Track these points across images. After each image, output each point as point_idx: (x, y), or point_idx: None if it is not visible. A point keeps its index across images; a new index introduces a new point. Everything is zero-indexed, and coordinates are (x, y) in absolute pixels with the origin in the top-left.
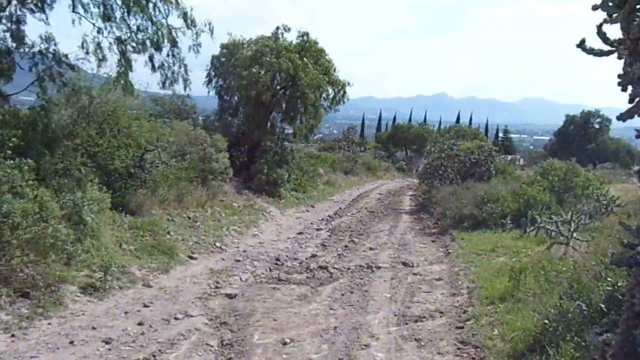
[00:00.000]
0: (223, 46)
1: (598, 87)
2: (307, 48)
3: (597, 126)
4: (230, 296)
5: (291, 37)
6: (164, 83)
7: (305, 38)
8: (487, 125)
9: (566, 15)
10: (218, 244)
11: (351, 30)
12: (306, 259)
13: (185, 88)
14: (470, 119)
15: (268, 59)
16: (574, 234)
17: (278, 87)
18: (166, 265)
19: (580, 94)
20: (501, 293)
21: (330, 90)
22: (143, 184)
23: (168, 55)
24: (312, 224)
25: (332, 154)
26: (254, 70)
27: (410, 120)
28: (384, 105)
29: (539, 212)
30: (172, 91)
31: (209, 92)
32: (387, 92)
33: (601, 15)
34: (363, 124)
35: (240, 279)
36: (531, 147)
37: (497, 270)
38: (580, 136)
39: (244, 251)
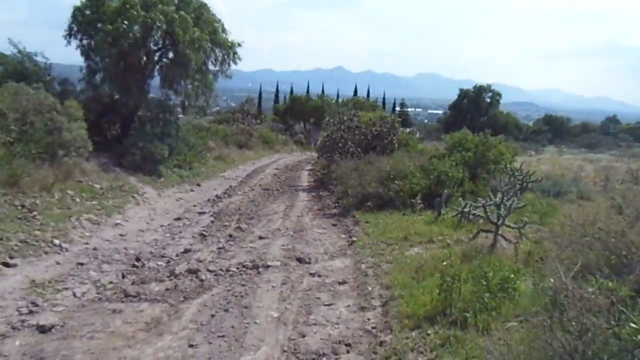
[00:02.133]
0: None
1: (487, 64)
2: (186, 1)
3: (488, 100)
4: (42, 329)
5: None
6: None
7: None
8: (384, 98)
9: None
10: (57, 241)
11: (247, 1)
12: (176, 256)
13: None
14: (368, 93)
15: (136, 12)
16: (505, 221)
17: (154, 48)
18: None
19: (471, 70)
20: (428, 310)
21: (219, 53)
22: None
23: None
24: (194, 206)
25: (226, 126)
26: (120, 24)
27: (308, 92)
28: (283, 78)
29: (452, 189)
30: (17, 48)
31: (68, 44)
32: (286, 65)
33: None
34: (260, 96)
35: (74, 295)
36: (426, 121)
37: (416, 270)
38: (473, 110)
39: (95, 249)
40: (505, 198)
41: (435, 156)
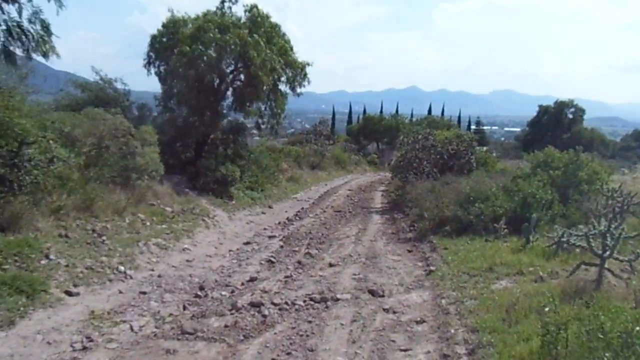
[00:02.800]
0: (164, 25)
1: (566, 79)
2: (259, 24)
3: (570, 116)
4: None
5: (240, 12)
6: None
7: (255, 11)
8: (459, 116)
9: (532, 5)
10: (123, 268)
11: (320, 24)
12: (241, 285)
13: (46, 54)
14: (443, 111)
15: (212, 35)
16: (614, 252)
17: (227, 70)
18: (16, 311)
19: (549, 85)
20: None
21: (289, 73)
22: (18, 188)
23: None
24: (265, 229)
25: (299, 147)
26: (195, 47)
27: (381, 112)
28: (356, 98)
29: (541, 213)
30: (99, 76)
31: (148, 73)
32: (359, 86)
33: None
34: (334, 116)
35: (131, 329)
36: (502, 139)
37: (506, 309)
38: (554, 126)
39: (159, 276)
40: (613, 225)
41: (518, 176)
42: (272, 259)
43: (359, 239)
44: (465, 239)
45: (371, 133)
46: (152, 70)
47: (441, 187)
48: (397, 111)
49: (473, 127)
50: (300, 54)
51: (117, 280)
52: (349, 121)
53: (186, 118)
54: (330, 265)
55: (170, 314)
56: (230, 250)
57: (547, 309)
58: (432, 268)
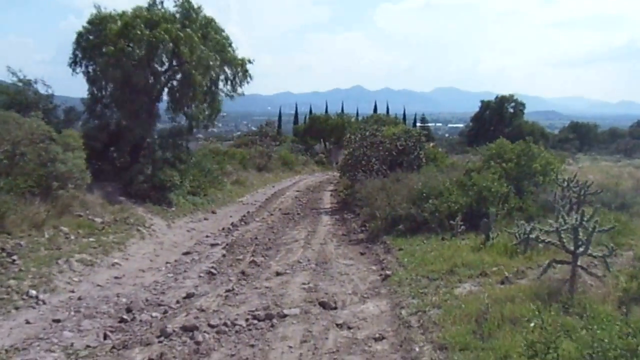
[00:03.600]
0: (89, 22)
1: (505, 76)
2: (192, 18)
3: (511, 110)
4: None
5: (172, 8)
6: None
7: (186, 4)
8: (404, 114)
9: (470, 4)
10: (34, 292)
11: (263, 27)
12: (176, 303)
13: None
14: (387, 109)
15: (139, 31)
16: (588, 248)
17: (160, 69)
18: None
19: (489, 82)
20: None
21: (228, 72)
22: None
23: None
24: (207, 237)
25: (244, 150)
26: (122, 44)
27: (326, 112)
28: (302, 99)
29: (498, 207)
30: (17, 77)
31: (73, 73)
32: (304, 87)
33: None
34: (280, 118)
35: None
36: (447, 135)
37: (476, 319)
38: (497, 121)
39: (80, 298)
40: (585, 218)
41: (471, 170)
42: (213, 270)
43: (308, 243)
44: (421, 238)
45: (318, 133)
46: (79, 71)
47: (392, 184)
48: (342, 110)
49: (418, 124)
50: (244, 54)
51: (27, 308)
52: (295, 122)
53: (119, 121)
54: (278, 274)
55: (87, 346)
56: (167, 263)
57: (532, 324)
58: (388, 272)
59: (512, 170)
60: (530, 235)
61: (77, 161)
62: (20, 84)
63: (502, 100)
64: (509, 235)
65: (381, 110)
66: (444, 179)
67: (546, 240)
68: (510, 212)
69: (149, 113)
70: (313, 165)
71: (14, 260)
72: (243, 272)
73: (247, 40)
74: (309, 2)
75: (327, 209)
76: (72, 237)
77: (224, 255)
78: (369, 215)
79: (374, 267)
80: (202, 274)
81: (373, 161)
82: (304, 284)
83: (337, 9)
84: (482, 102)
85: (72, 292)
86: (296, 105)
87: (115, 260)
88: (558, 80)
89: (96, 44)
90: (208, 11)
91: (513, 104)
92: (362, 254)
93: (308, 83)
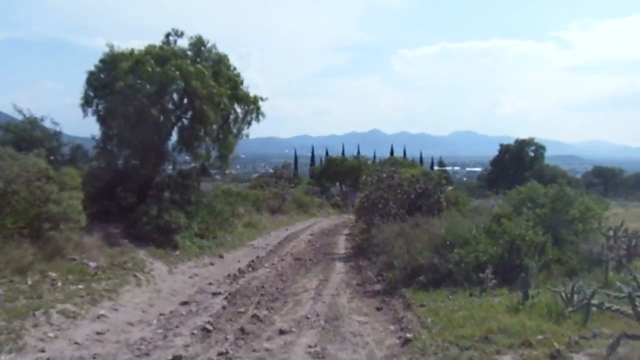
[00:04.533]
0: (101, 60)
1: (523, 119)
2: (203, 54)
3: (532, 154)
4: None
5: (185, 45)
6: None
7: (198, 41)
8: (421, 157)
9: (485, 50)
10: None
11: (283, 72)
12: None
13: None
14: (404, 152)
15: (149, 68)
16: None
17: (171, 107)
18: None
19: (507, 125)
20: None
21: (239, 110)
22: None
23: None
24: (210, 284)
25: (258, 191)
26: (133, 81)
27: (343, 154)
28: (319, 142)
29: (533, 259)
30: (22, 114)
31: (84, 115)
32: (322, 131)
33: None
34: (296, 159)
35: None
36: (464, 179)
37: None
38: (517, 164)
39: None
40: None
41: (500, 215)
42: (209, 326)
43: (319, 294)
44: (445, 293)
45: (334, 175)
46: (89, 111)
47: (411, 229)
48: (358, 153)
49: (436, 167)
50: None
51: None
52: (312, 164)
53: (127, 160)
54: (281, 332)
55: None
56: (160, 315)
57: None
58: (409, 335)
59: (547, 217)
60: (592, 301)
61: (73, 202)
62: (25, 122)
63: (521, 144)
64: (553, 293)
65: (398, 153)
66: (469, 226)
67: (613, 308)
68: (548, 265)
69: (158, 152)
70: (329, 207)
71: None
72: (242, 329)
73: (266, 85)
74: (329, 48)
75: (341, 254)
76: (59, 284)
77: (224, 307)
78: (386, 263)
79: (392, 327)
80: (195, 331)
81: (390, 204)
82: (310, 346)
83: (355, 55)
84: (501, 145)
85: (42, 351)
86: (312, 147)
87: (102, 312)
88: (578, 124)
89: (107, 82)
90: (230, 58)
91: (533, 148)
92: (378, 309)
93: (325, 126)
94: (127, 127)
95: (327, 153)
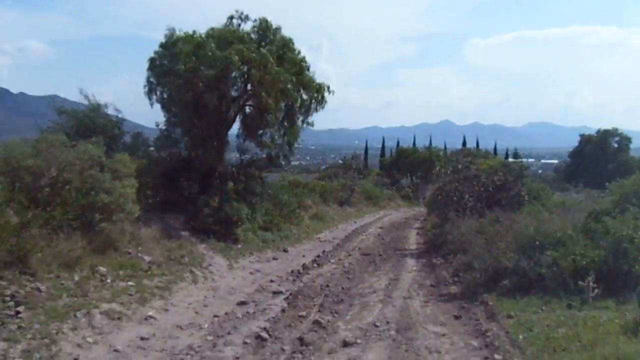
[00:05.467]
0: (162, 45)
1: (603, 110)
2: (268, 38)
3: (615, 145)
4: None
5: (249, 28)
6: None
7: (263, 25)
8: (495, 148)
9: (562, 37)
10: None
11: (352, 63)
12: None
13: None
14: (477, 144)
15: (210, 52)
16: None
17: (233, 93)
18: None
19: (585, 117)
20: None
21: (305, 96)
22: None
23: None
24: (271, 281)
25: (326, 182)
26: (193, 64)
27: (414, 145)
28: (389, 134)
29: None
30: (88, 100)
31: (150, 102)
32: (392, 122)
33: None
34: (366, 151)
35: None
36: (540, 171)
37: None
38: (598, 156)
39: None
40: None
41: (598, 212)
42: (264, 334)
43: (388, 295)
44: (536, 302)
45: (405, 166)
46: (154, 99)
47: (491, 226)
48: (430, 145)
49: (510, 159)
50: (334, 90)
51: None
52: (382, 155)
53: (189, 148)
54: (345, 344)
55: None
56: (215, 317)
57: None
58: (498, 358)
59: None
60: None
61: (126, 190)
62: (89, 108)
63: (604, 134)
64: None
65: (470, 145)
66: (562, 224)
67: None
68: None
69: (220, 141)
70: (399, 200)
71: (17, 313)
72: (301, 340)
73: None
74: (397, 38)
75: (412, 250)
76: (108, 280)
77: (283, 310)
78: (463, 263)
79: (474, 343)
80: (249, 339)
81: (466, 198)
82: None
83: (427, 44)
84: (582, 136)
85: (76, 358)
86: (383, 138)
87: (151, 313)
88: None
89: (169, 68)
90: (300, 49)
91: (617, 138)
92: (456, 317)
93: (395, 117)
94: (187, 113)
95: (398, 144)
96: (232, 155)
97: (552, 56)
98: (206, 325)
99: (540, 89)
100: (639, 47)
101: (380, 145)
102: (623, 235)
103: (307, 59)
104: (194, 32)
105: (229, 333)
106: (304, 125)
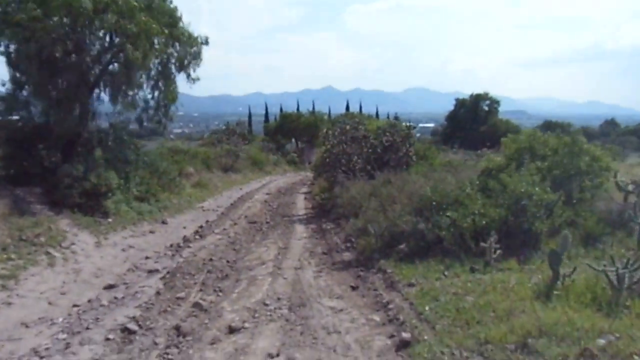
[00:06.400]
0: None
1: (474, 76)
2: None
3: (486, 109)
4: None
5: None
6: None
7: None
8: (377, 113)
9: (438, 6)
10: None
11: (234, 27)
12: None
13: None
14: (360, 108)
15: None
16: None
17: (97, 48)
18: None
19: (458, 82)
20: None
21: (179, 50)
22: None
23: None
24: (147, 258)
25: (209, 148)
26: (36, 12)
27: (298, 111)
28: (273, 100)
29: (543, 221)
30: None
31: None
32: (275, 88)
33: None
34: (250, 117)
35: None
36: (418, 135)
37: None
38: (472, 119)
39: None
40: None
41: (491, 170)
42: (133, 326)
43: (278, 267)
44: (437, 266)
45: (289, 131)
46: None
47: (383, 187)
48: (313, 110)
49: None
50: (216, 56)
51: None
52: (266, 121)
53: (46, 113)
54: (231, 330)
55: None
56: (74, 306)
57: None
58: (406, 336)
59: (552, 171)
60: None
61: None
62: None
63: (477, 98)
64: (596, 272)
65: (353, 110)
66: (459, 182)
67: None
68: (560, 227)
69: (83, 103)
70: (285, 165)
71: None
72: (178, 329)
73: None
74: (280, 3)
75: (301, 216)
76: None
77: (158, 293)
78: (357, 229)
79: (376, 318)
80: (113, 333)
81: (355, 159)
82: (270, 354)
83: (307, 10)
84: (457, 100)
85: None
86: (266, 104)
87: None
88: (526, 80)
89: (19, 19)
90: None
91: (488, 102)
92: (353, 288)
93: (279, 84)
94: (37, 70)
95: (281, 110)
96: (102, 121)
97: (428, 24)
98: (60, 320)
99: (417, 56)
100: (502, 16)
101: (263, 112)
102: (522, 192)
103: (188, 21)
104: None
105: (88, 328)
106: (189, 81)
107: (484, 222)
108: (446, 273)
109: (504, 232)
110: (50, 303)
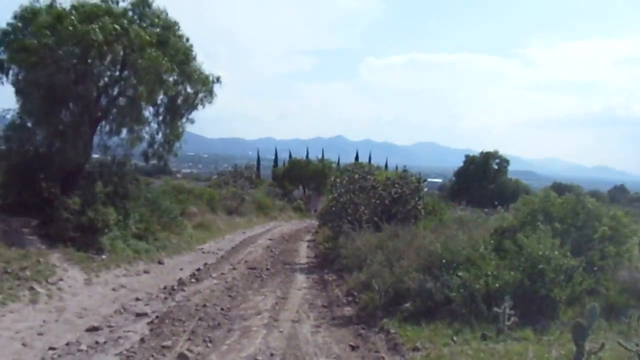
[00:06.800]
0: (17, 16)
1: (484, 134)
2: (146, 16)
3: (496, 167)
4: None
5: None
6: None
7: (143, 1)
8: (386, 164)
9: (452, 63)
10: None
11: (250, 71)
12: None
13: None
14: (370, 159)
15: (70, 26)
16: None
17: (106, 80)
18: None
19: (468, 139)
20: None
21: (189, 88)
22: None
23: None
24: (137, 300)
25: (215, 190)
26: (46, 38)
27: (307, 157)
28: (283, 145)
29: (562, 288)
30: None
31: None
32: (286, 134)
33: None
34: (258, 160)
35: None
36: (426, 189)
37: None
38: (481, 176)
39: None
40: None
41: (504, 230)
42: None
43: (274, 318)
44: (445, 329)
45: (297, 178)
46: (3, 79)
47: (390, 241)
48: (323, 156)
49: None
50: (230, 99)
51: None
52: (275, 165)
53: (50, 142)
54: None
55: None
56: (50, 349)
57: None
58: None
59: (569, 234)
60: None
61: None
62: None
63: (486, 156)
64: (627, 350)
65: (363, 160)
66: (474, 240)
67: None
68: (580, 296)
69: (87, 134)
70: (290, 211)
71: None
72: None
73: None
74: (296, 51)
75: (303, 264)
76: None
77: (142, 340)
78: (359, 282)
79: None
80: None
81: (362, 209)
82: None
83: (323, 60)
84: (467, 156)
85: None
86: (276, 149)
87: None
88: (536, 141)
89: (24, 43)
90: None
91: (497, 161)
92: (353, 348)
93: (290, 130)
94: (43, 99)
95: (290, 155)
96: (106, 154)
97: (442, 80)
98: None
99: (429, 111)
100: (516, 77)
101: (274, 157)
102: (540, 255)
103: (205, 65)
104: (53, 1)
105: None
106: (186, 122)
107: (497, 285)
108: (455, 338)
109: (519, 298)
110: (24, 344)
